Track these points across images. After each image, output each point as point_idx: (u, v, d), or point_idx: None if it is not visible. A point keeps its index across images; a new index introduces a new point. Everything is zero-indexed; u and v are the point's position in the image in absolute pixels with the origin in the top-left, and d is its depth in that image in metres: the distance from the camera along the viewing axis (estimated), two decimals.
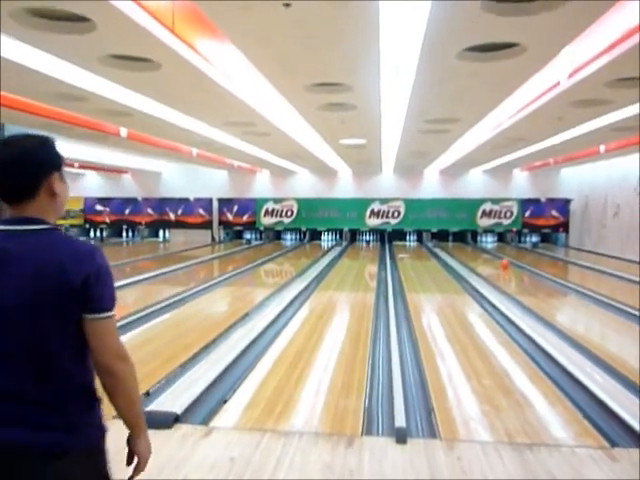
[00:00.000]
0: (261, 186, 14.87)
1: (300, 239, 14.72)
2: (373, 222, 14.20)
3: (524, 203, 13.83)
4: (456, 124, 7.01)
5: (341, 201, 14.30)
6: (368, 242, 14.30)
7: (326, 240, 14.61)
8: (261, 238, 14.88)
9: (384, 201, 14.14)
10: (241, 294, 6.81)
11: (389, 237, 14.30)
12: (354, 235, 14.67)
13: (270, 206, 14.49)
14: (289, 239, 14.82)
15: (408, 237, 14.44)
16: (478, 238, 14.24)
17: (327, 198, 14.41)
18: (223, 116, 6.66)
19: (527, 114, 6.13)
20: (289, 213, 14.42)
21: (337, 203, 14.30)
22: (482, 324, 5.02)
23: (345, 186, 14.63)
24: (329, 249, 12.68)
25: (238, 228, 14.73)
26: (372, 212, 14.16)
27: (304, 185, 14.68)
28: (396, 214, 14.08)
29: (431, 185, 14.37)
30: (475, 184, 14.20)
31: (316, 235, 14.77)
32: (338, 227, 14.37)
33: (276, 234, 14.89)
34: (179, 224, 14.88)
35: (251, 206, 14.57)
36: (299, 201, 14.42)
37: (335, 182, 14.69)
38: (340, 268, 9.35)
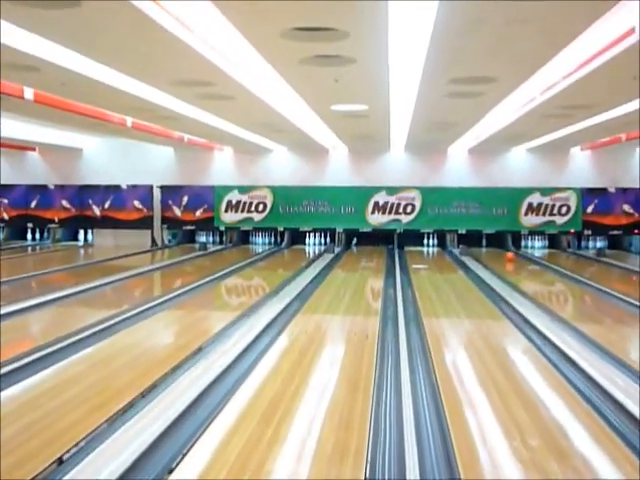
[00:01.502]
0: (221, 169, 14.94)
1: (276, 243, 14.89)
2: (377, 220, 14.33)
3: (585, 194, 13.91)
4: (492, 85, 6.94)
5: (333, 190, 14.43)
6: (356, 244, 14.75)
7: (312, 244, 14.78)
8: (221, 242, 15.02)
9: (393, 191, 14.28)
10: (193, 320, 6.73)
11: (400, 240, 14.47)
12: (351, 237, 14.89)
13: (234, 197, 14.58)
14: (261, 243, 15.00)
15: (426, 241, 14.67)
16: (522, 242, 14.40)
17: (314, 187, 14.54)
18: (170, 72, 6.60)
19: (590, 72, 6.12)
20: (261, 207, 14.53)
21: (328, 193, 14.42)
22: (527, 361, 5.05)
23: (339, 170, 14.76)
24: (316, 257, 12.78)
25: (189, 227, 14.86)
26: (376, 206, 14.29)
27: (282, 168, 14.79)
28: (409, 209, 14.22)
29: (457, 169, 14.48)
30: (518, 168, 14.29)
31: (298, 237, 14.92)
32: (329, 226, 14.53)
33: (242, 236, 15.07)
34: (106, 221, 14.85)
35: (207, 197, 14.65)
36: (275, 190, 14.52)
37: (325, 164, 14.81)
38: (332, 283, 9.42)
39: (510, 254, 13.05)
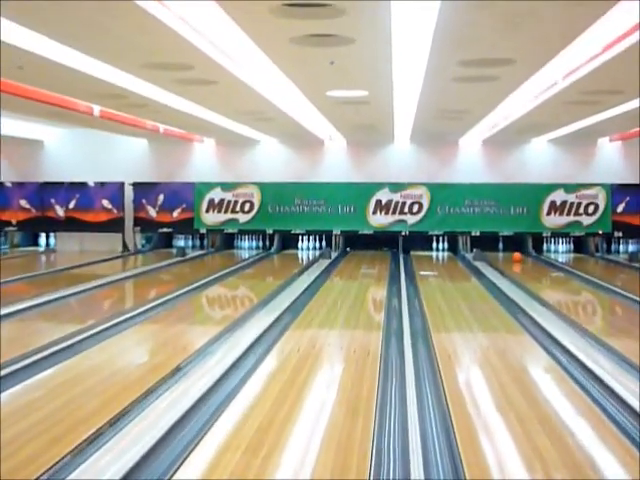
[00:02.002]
0: (202, 164, 15.03)
1: (265, 247, 15.03)
2: (380, 220, 14.47)
3: (616, 191, 13.97)
4: (508, 68, 6.89)
5: (330, 187, 14.56)
6: (349, 249, 14.86)
7: (306, 249, 14.90)
8: (202, 246, 15.15)
9: (397, 187, 14.41)
10: (170, 336, 6.69)
11: (405, 244, 14.59)
12: (351, 240, 14.98)
13: (217, 195, 14.68)
14: (247, 247, 15.11)
15: (435, 244, 14.80)
16: (544, 246, 14.51)
17: (307, 183, 14.65)
18: (143, 54, 6.58)
19: (618, 54, 6.04)
20: (247, 206, 14.63)
21: (323, 191, 14.56)
22: (551, 382, 5.05)
23: (336, 164, 14.89)
24: (310, 263, 12.89)
25: (165, 230, 14.95)
26: (378, 205, 14.44)
27: (271, 162, 14.88)
28: (416, 208, 14.35)
29: (470, 163, 14.64)
30: (538, 161, 14.41)
31: (290, 241, 15.08)
32: (325, 228, 14.65)
33: (226, 240, 15.16)
34: (71, 224, 14.83)
35: (186, 195, 14.73)
36: (263, 187, 14.63)
37: (320, 158, 14.96)
38: (328, 293, 9.52)
39: (517, 254, 13.49)
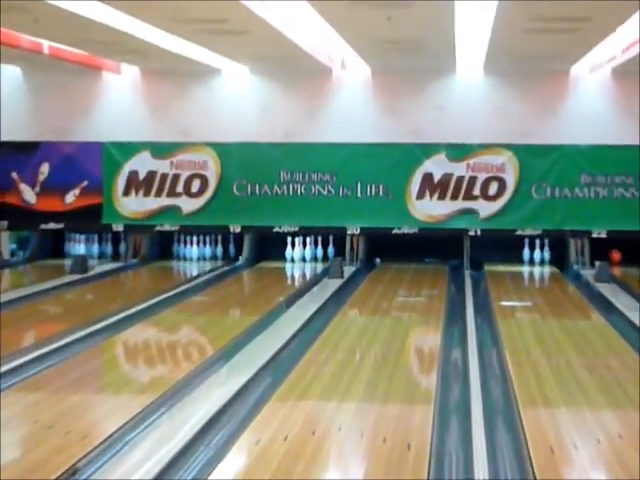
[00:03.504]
0: (118, 110, 15.40)
1: (227, 257, 15.45)
2: (431, 210, 14.79)
3: None
4: None
5: (342, 153, 14.90)
6: (380, 260, 15.28)
7: (299, 259, 15.29)
8: (117, 254, 15.53)
9: (461, 152, 14.70)
10: (58, 416, 6.32)
11: (475, 251, 14.97)
12: (380, 245, 15.28)
13: (143, 165, 15.03)
14: (196, 257, 15.49)
15: (527, 252, 15.11)
16: None
17: (302, 145, 15.09)
18: None
19: None
20: (196, 185, 14.98)
21: (330, 159, 14.94)
22: None
23: (353, 111, 15.17)
24: (307, 285, 13.26)
25: (52, 226, 15.08)
26: (427, 183, 14.70)
27: (239, 108, 15.28)
28: (493, 188, 14.63)
29: (591, 109, 14.87)
30: None
31: (272, 246, 15.52)
32: (333, 224, 15.00)
33: (160, 244, 15.66)
34: None
35: (88, 166, 15.06)
36: (224, 152, 15.03)
37: (325, 100, 15.32)
38: (338, 339, 9.56)
39: (616, 253, 14.11)
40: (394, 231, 14.70)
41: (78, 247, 15.32)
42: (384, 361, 8.61)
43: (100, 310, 10.62)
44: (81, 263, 13.95)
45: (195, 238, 15.28)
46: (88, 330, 9.39)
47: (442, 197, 14.56)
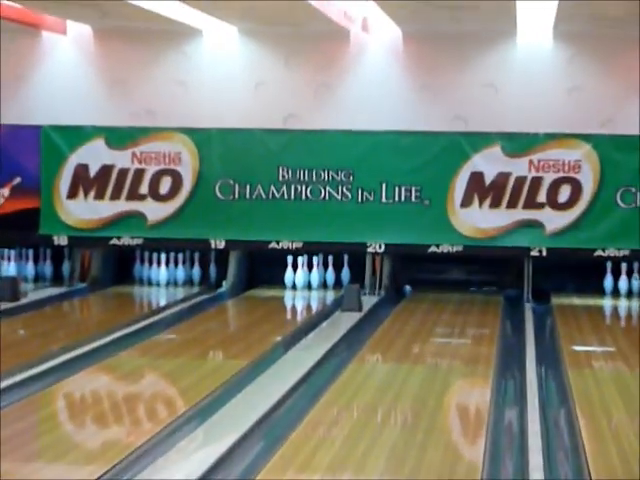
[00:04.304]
0: (62, 83, 15.43)
1: (206, 281, 15.43)
2: (481, 221, 14.74)
3: None
4: None
5: (362, 143, 14.96)
6: (410, 288, 15.46)
7: (302, 286, 15.30)
8: (59, 277, 15.46)
9: (521, 144, 14.62)
10: None
11: (539, 276, 14.76)
12: (412, 268, 15.39)
13: (95, 157, 15.03)
14: (165, 282, 15.43)
15: (610, 278, 14.87)
16: None
17: (308, 133, 15.09)
18: None
19: None
20: (166, 185, 15.07)
21: (346, 151, 14.93)
22: None
23: (377, 89, 15.05)
24: (313, 321, 13.06)
25: None
26: (477, 185, 14.63)
27: (223, 84, 15.28)
28: (565, 193, 14.51)
29: None
30: None
31: (266, 267, 15.70)
32: (347, 240, 14.97)
33: (117, 263, 15.66)
34: None
35: (21, 157, 15.07)
36: (203, 141, 15.09)
37: (339, 74, 15.22)
38: (352, 393, 9.18)
39: None
40: (430, 249, 14.57)
41: (7, 266, 15.15)
42: (414, 424, 8.18)
43: (36, 350, 10.48)
44: (11, 287, 13.74)
45: (164, 256, 15.11)
46: (19, 377, 9.01)
47: (496, 205, 14.36)
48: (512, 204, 14.33)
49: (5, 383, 8.81)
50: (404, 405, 8.97)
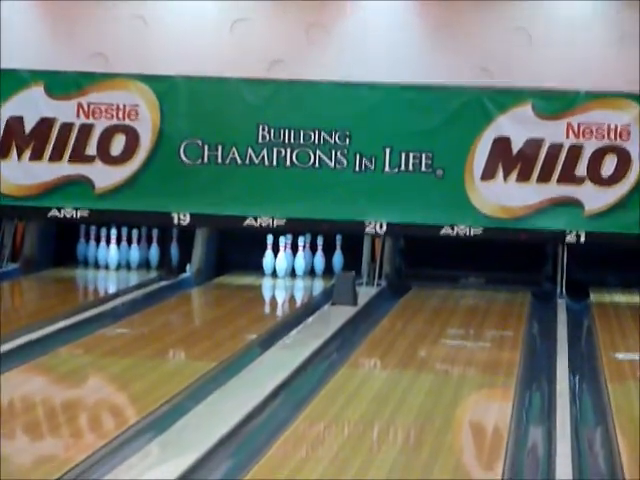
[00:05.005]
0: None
1: (166, 265, 15.79)
2: (505, 198, 15.50)
3: None
4: None
5: (360, 98, 15.75)
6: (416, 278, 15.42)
7: (284, 273, 16.17)
8: None
9: (557, 104, 15.22)
10: None
11: (575, 267, 15.36)
12: (420, 254, 15.84)
13: (32, 108, 15.76)
14: (116, 264, 16.05)
15: None
16: None
17: (294, 84, 15.79)
18: None
19: None
20: (118, 145, 15.74)
21: (341, 107, 15.64)
22: None
23: (384, 30, 15.68)
24: (297, 316, 13.51)
25: None
26: (501, 152, 15.27)
27: (194, 20, 16.15)
28: (609, 168, 15.04)
29: None
30: None
31: (239, 249, 16.28)
32: (342, 217, 15.64)
33: (58, 237, 16.19)
34: None
35: None
36: (165, 91, 15.86)
37: (340, 11, 15.92)
38: (342, 402, 9.40)
39: None
40: (443, 231, 15.01)
41: None
42: (418, 442, 8.05)
43: None
44: None
45: (115, 232, 15.37)
46: None
47: (525, 178, 14.64)
48: (544, 178, 14.55)
49: None
50: (406, 419, 9.01)
